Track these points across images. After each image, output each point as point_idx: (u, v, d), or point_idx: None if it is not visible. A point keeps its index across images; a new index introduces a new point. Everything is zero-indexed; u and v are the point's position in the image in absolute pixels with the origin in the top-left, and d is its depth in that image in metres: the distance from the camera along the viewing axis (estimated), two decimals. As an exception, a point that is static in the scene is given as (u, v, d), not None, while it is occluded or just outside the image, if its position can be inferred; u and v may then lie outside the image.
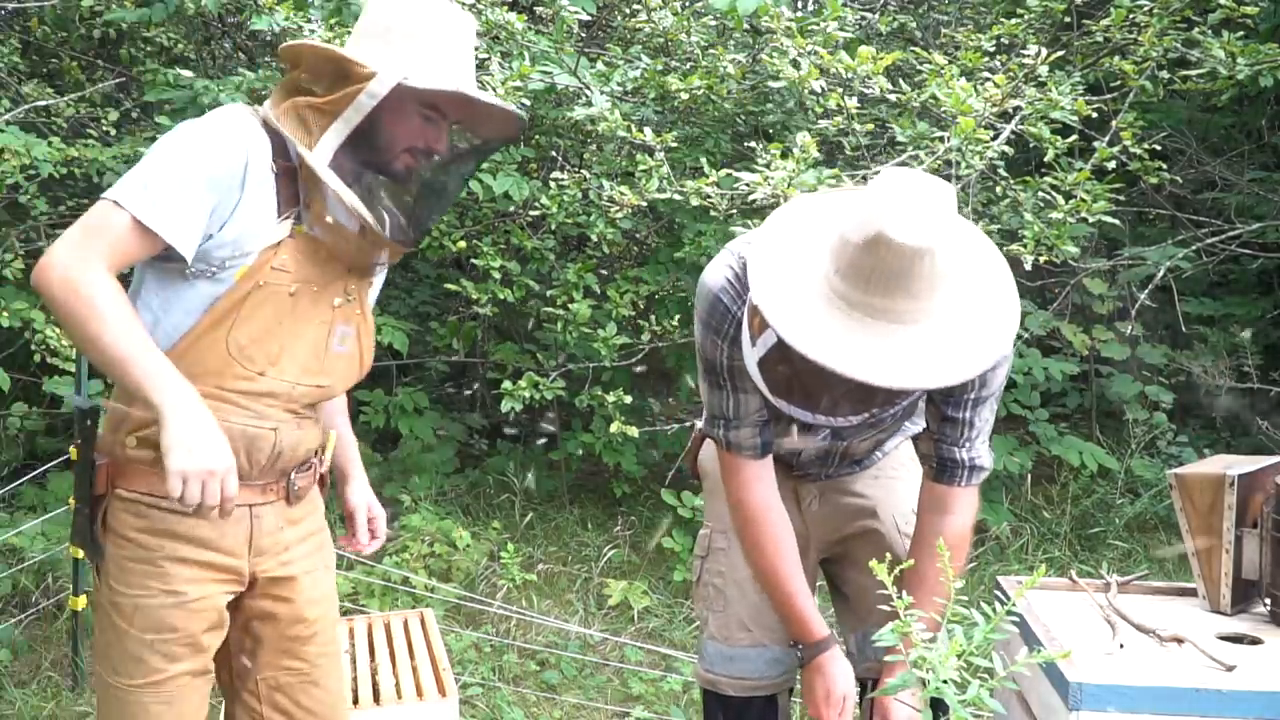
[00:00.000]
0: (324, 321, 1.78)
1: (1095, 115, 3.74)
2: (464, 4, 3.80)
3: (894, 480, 2.09)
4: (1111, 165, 3.69)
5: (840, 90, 3.70)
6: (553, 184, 4.19)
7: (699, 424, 2.27)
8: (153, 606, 1.70)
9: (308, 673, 1.88)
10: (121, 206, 1.60)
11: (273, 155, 1.69)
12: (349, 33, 3.83)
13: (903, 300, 1.47)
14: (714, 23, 4.20)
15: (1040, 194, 3.67)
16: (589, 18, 4.33)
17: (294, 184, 1.71)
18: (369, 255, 1.81)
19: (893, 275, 1.45)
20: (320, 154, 1.65)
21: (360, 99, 1.64)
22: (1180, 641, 1.78)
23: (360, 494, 2.06)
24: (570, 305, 4.33)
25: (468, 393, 5.83)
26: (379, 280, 1.97)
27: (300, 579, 1.86)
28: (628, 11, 4.59)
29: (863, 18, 5.10)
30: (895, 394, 1.64)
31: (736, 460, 1.88)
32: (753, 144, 3.63)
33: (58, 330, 4.13)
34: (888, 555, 1.97)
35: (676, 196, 3.62)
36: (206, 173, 1.62)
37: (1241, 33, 3.84)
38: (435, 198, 1.83)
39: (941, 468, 1.85)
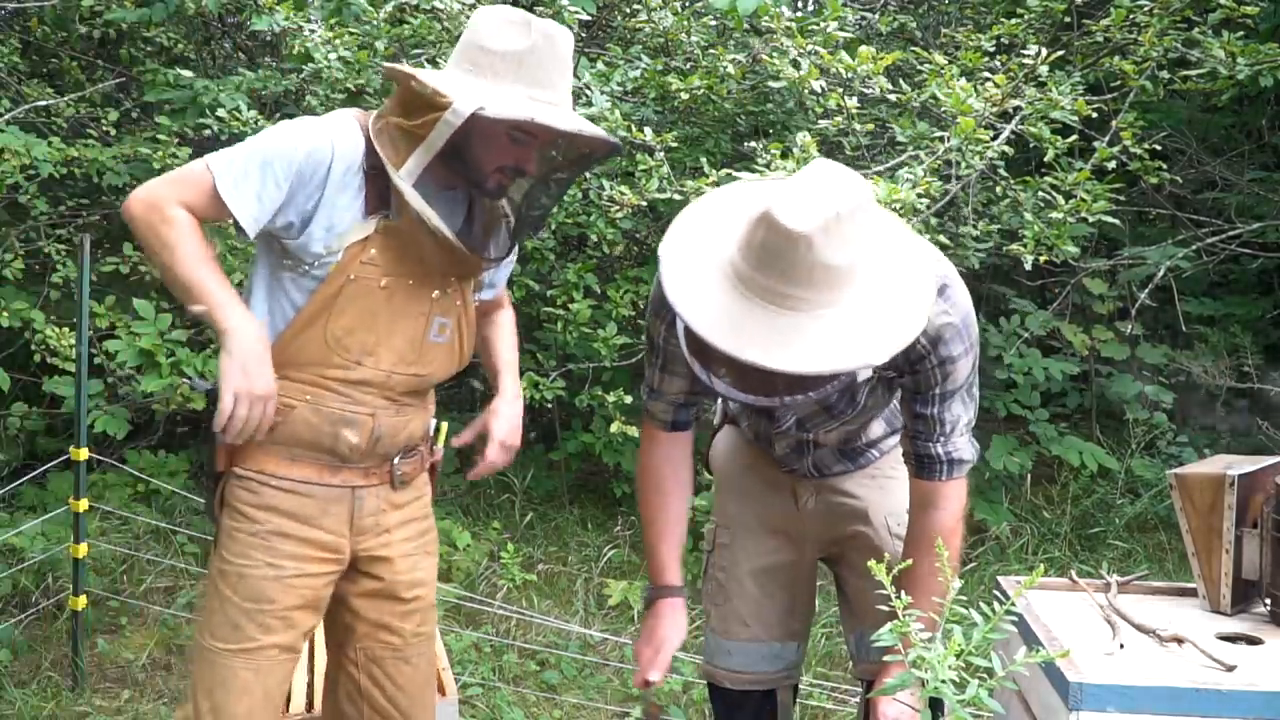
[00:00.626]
0: (421, 313, 1.86)
1: (1095, 115, 3.73)
2: (463, 4, 3.80)
3: (891, 480, 2.09)
4: (1111, 165, 3.69)
5: (840, 90, 3.70)
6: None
7: (716, 419, 2.28)
8: (254, 577, 1.82)
9: (400, 648, 1.99)
10: (209, 170, 1.75)
11: (365, 155, 1.79)
12: (349, 33, 3.87)
13: (785, 284, 1.48)
14: (714, 23, 4.19)
15: (1040, 194, 3.67)
16: (589, 18, 4.33)
17: (383, 184, 1.79)
18: (459, 264, 1.87)
19: (775, 254, 1.47)
20: (406, 173, 1.74)
21: (439, 126, 1.70)
22: (1180, 641, 1.78)
23: (494, 413, 2.04)
24: (570, 305, 4.33)
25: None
26: (504, 271, 2.06)
27: (397, 561, 1.95)
28: (628, 11, 4.59)
29: (863, 18, 5.10)
30: (780, 379, 1.60)
31: (649, 426, 2.02)
32: (753, 144, 3.63)
33: (57, 330, 4.13)
34: (886, 556, 1.97)
35: (676, 196, 3.62)
36: (288, 162, 1.74)
37: (1241, 33, 3.84)
38: (526, 214, 1.90)
39: (920, 464, 1.85)
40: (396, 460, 1.92)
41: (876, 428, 2.07)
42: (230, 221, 1.77)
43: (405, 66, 1.76)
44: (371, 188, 1.79)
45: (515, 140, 1.77)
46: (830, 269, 1.48)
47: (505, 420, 2.04)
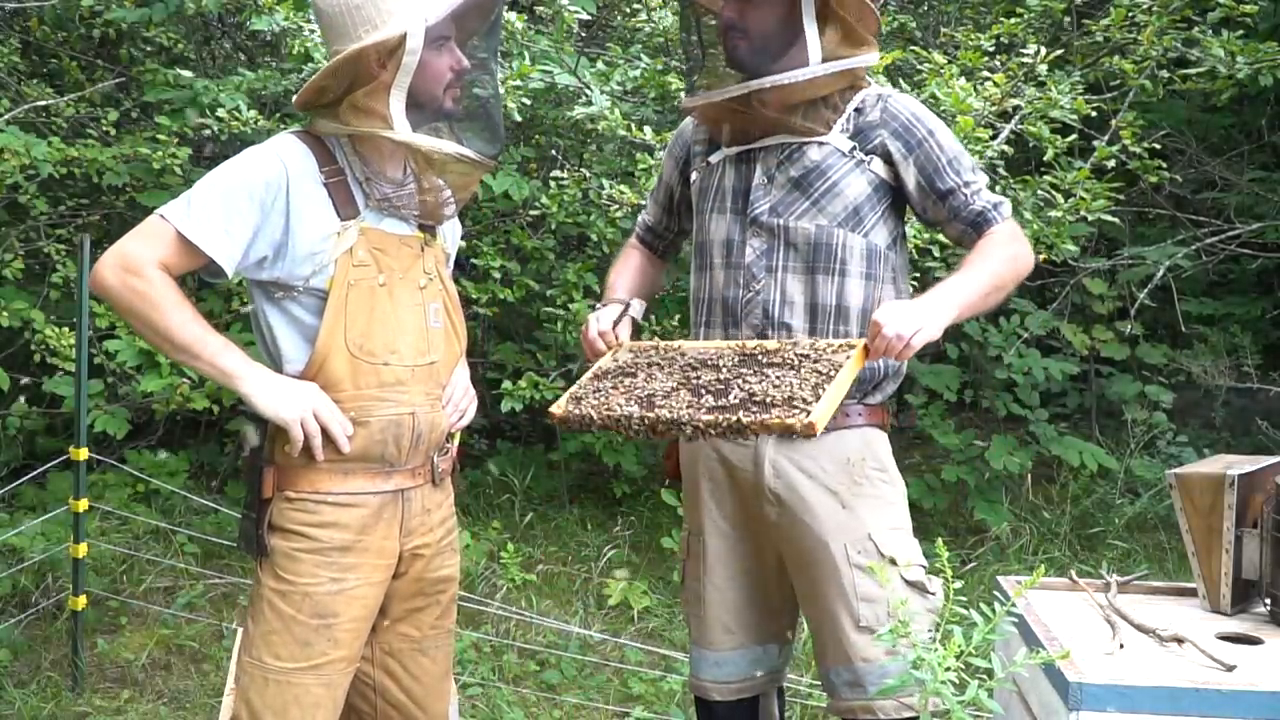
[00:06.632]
0: (417, 304, 1.92)
1: (1095, 115, 3.74)
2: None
3: (862, 497, 1.98)
4: (1111, 164, 3.69)
5: (840, 90, 3.69)
6: (552, 184, 4.19)
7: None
8: (319, 594, 1.84)
9: (419, 640, 2.03)
10: (167, 220, 1.75)
11: (319, 166, 1.83)
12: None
13: None
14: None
15: (1040, 193, 3.68)
16: (589, 17, 4.33)
17: (347, 189, 1.85)
18: (432, 213, 1.94)
19: None
20: (402, 128, 1.79)
21: (405, 60, 1.76)
22: (1180, 641, 1.78)
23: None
24: (570, 305, 4.33)
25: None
26: (454, 237, 2.11)
27: (432, 559, 2.00)
28: (628, 11, 4.59)
29: (863, 17, 5.08)
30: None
31: (637, 229, 2.45)
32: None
33: (57, 330, 4.13)
34: (844, 584, 1.96)
35: (676, 196, 3.62)
36: (248, 194, 1.77)
37: (1241, 32, 3.84)
38: (491, 107, 1.99)
39: (974, 225, 2.00)
40: (435, 457, 1.98)
41: (852, 293, 2.02)
42: (202, 266, 1.77)
43: (330, 61, 1.81)
44: (337, 194, 1.83)
45: (440, 50, 1.83)
46: None
47: (464, 379, 2.07)
